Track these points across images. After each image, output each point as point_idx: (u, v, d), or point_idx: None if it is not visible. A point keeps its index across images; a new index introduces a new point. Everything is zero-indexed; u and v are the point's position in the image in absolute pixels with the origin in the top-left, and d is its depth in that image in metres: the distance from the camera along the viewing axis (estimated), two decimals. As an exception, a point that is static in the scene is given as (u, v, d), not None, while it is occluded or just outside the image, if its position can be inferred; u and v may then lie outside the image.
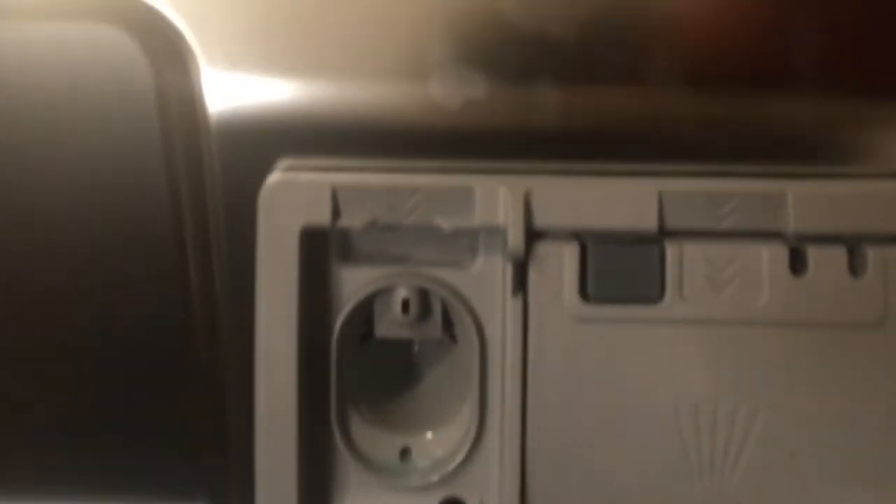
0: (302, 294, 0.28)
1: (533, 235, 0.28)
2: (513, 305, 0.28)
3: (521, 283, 0.28)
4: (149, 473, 0.34)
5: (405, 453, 0.30)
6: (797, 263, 0.28)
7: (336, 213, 0.28)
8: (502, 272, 0.28)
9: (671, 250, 0.28)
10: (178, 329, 0.32)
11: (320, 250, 0.29)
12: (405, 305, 0.29)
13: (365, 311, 0.30)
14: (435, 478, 0.29)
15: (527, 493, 0.29)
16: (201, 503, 0.34)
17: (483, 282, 0.29)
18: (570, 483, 0.28)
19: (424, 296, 0.29)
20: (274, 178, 0.28)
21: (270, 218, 0.28)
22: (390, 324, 0.30)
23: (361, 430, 0.30)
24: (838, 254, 0.28)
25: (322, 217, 0.28)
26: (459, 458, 0.29)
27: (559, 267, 0.28)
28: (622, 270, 0.28)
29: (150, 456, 0.33)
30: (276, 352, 0.28)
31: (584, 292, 0.28)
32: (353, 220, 0.28)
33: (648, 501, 0.28)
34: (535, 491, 0.28)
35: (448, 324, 0.30)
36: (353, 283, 0.29)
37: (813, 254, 0.28)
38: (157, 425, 0.33)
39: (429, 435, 0.30)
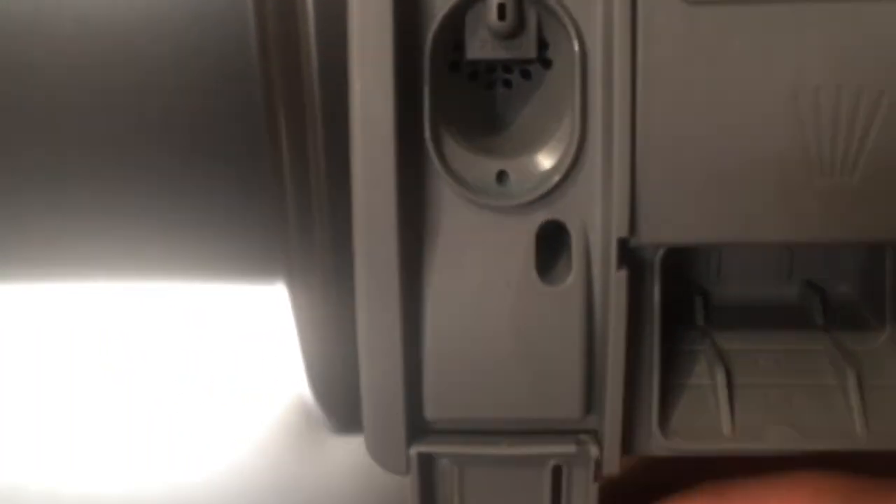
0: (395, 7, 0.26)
1: None
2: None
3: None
4: (222, 248, 0.33)
5: (502, 176, 0.29)
6: None
7: None
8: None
9: None
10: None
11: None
12: (501, 10, 0.27)
13: (453, 34, 0.28)
14: (532, 198, 0.28)
15: (636, 206, 0.27)
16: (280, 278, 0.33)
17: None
18: (683, 187, 0.27)
19: (519, 7, 0.27)
20: None
21: None
22: (482, 43, 0.28)
23: (457, 155, 0.29)
24: None
25: None
26: (557, 177, 0.28)
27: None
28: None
29: (221, 229, 0.32)
30: (372, 77, 0.27)
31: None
32: None
33: (765, 199, 0.27)
34: (645, 202, 0.27)
35: (542, 46, 0.28)
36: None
37: None
38: (229, 192, 0.32)
39: (525, 158, 0.29)
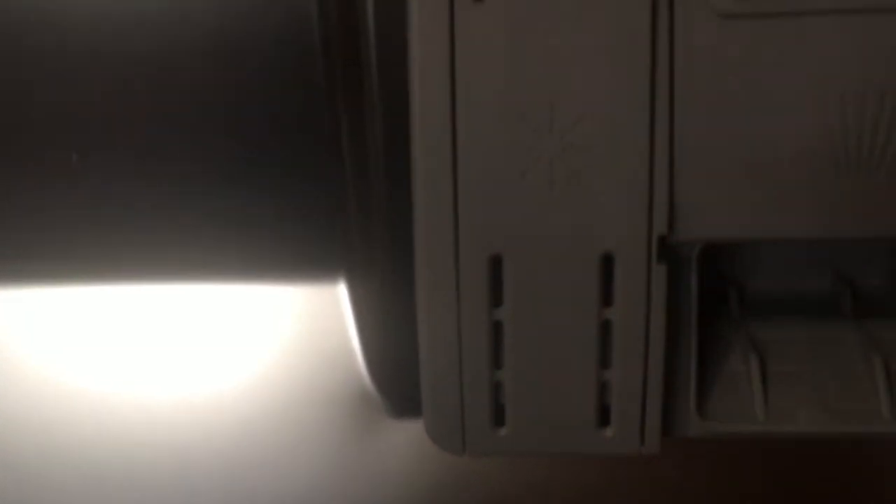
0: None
1: None
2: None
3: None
4: (283, 248, 0.34)
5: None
6: None
7: None
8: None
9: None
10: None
11: None
12: None
13: None
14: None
15: (674, 206, 0.29)
16: (341, 276, 0.35)
17: None
18: (718, 187, 0.29)
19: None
20: None
21: None
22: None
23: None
24: None
25: None
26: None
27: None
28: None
29: (284, 230, 0.34)
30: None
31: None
32: None
33: (796, 197, 0.29)
34: (683, 202, 0.29)
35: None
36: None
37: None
38: (289, 193, 0.33)
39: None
